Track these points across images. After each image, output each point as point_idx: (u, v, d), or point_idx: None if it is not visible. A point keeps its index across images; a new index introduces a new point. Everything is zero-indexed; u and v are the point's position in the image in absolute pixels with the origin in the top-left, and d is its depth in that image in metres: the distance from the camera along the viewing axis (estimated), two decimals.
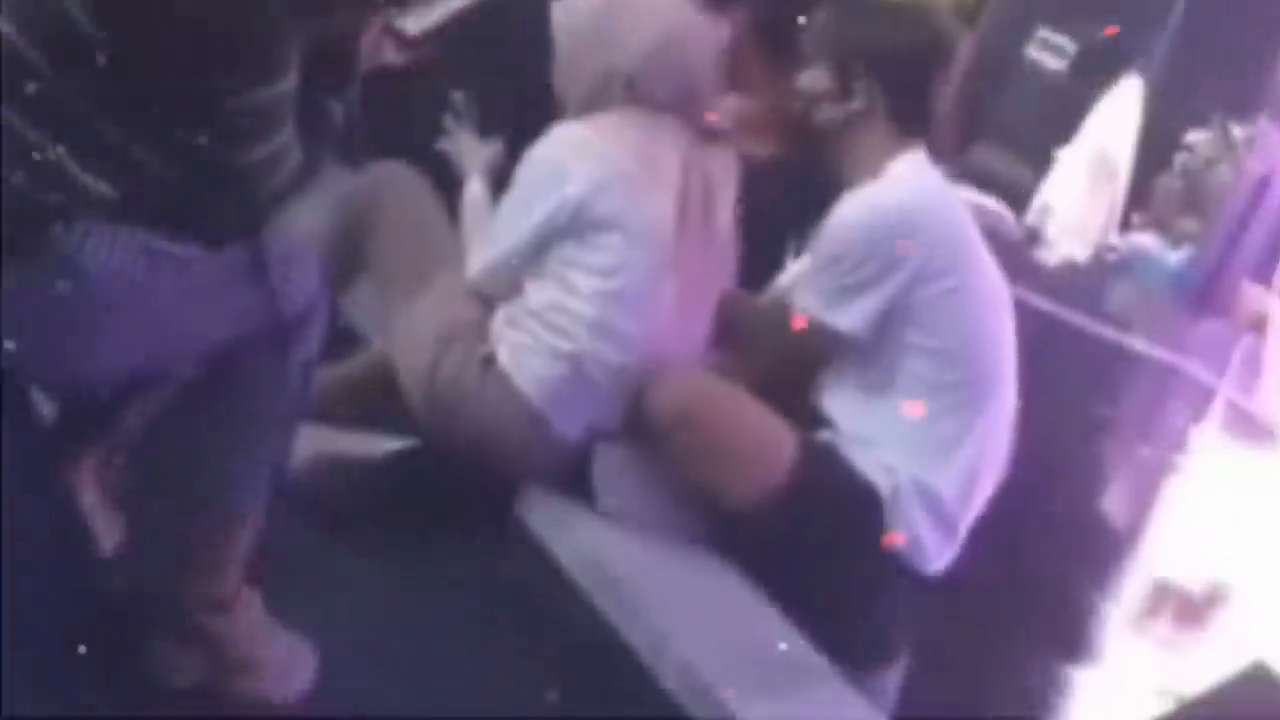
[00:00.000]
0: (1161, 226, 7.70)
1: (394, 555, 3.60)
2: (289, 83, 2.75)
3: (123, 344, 2.77)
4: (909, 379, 3.75)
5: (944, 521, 3.77)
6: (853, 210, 3.80)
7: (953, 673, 4.06)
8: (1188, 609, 5.07)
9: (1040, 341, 4.17)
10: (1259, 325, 5.78)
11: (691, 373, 3.86)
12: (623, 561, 3.73)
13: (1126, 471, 5.31)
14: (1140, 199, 8.02)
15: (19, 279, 2.62)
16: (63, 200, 2.62)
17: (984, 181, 7.32)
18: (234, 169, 2.74)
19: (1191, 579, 5.10)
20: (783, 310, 3.89)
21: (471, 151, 4.25)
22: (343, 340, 4.05)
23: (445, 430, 3.83)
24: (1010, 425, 3.87)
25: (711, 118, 4.05)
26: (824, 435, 3.80)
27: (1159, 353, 5.97)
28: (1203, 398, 5.63)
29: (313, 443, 3.58)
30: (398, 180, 4.23)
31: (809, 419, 3.83)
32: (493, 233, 3.89)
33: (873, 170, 3.85)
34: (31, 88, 2.61)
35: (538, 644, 3.52)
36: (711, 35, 4.07)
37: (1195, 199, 7.62)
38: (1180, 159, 7.81)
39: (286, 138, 2.80)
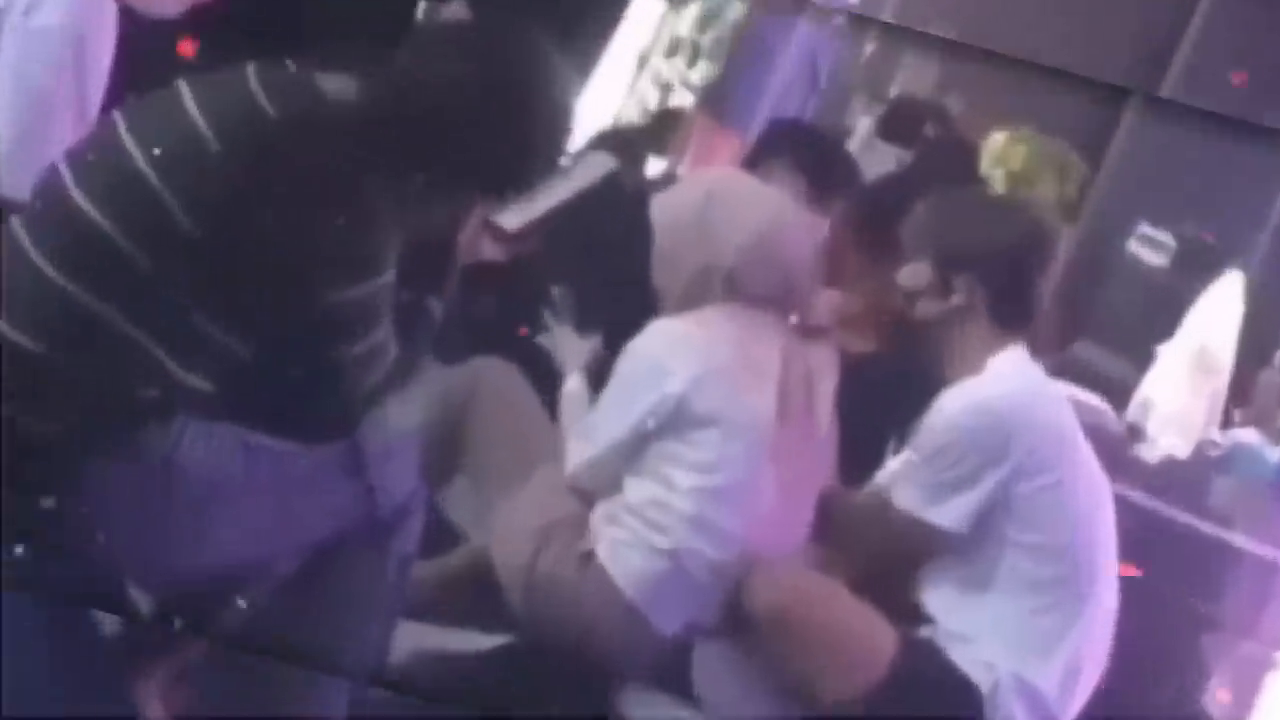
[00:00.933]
0: (1264, 422, 7.65)
1: None
2: (386, 278, 2.80)
3: (219, 539, 2.80)
4: (1010, 574, 3.75)
5: (1045, 718, 3.74)
6: (954, 406, 3.82)
7: None
8: None
9: (1142, 537, 4.15)
10: None
11: (792, 569, 3.84)
12: None
13: (1229, 668, 5.25)
14: (1242, 395, 7.98)
15: (116, 473, 2.67)
16: (159, 396, 2.68)
17: (1085, 377, 7.30)
18: (331, 364, 2.79)
19: None
20: (884, 507, 3.89)
21: (570, 347, 4.26)
22: (441, 535, 4.08)
23: (543, 625, 3.84)
24: (1111, 621, 3.84)
25: (810, 312, 4.07)
26: (924, 631, 3.79)
27: (1262, 549, 5.92)
28: None
29: (412, 638, 3.62)
30: (495, 374, 4.27)
31: (909, 613, 3.82)
32: (592, 428, 3.91)
33: (974, 366, 3.87)
34: (129, 283, 2.68)
35: None
36: (811, 230, 4.13)
37: None
38: None
39: (384, 334, 2.84)
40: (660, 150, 9.35)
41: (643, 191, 5.16)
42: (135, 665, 3.06)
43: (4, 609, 2.69)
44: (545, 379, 4.25)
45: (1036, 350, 3.97)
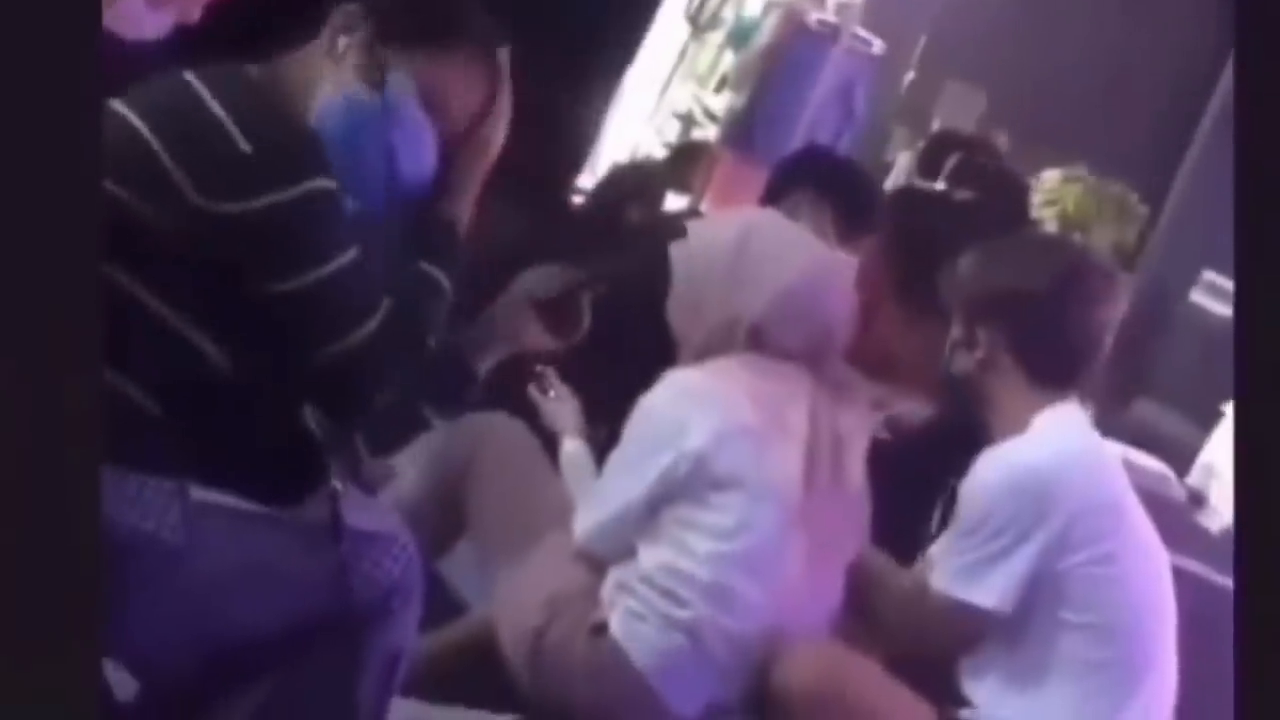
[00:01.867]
0: None
1: None
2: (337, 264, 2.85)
3: (164, 625, 2.83)
4: (1056, 657, 3.75)
5: None
6: (988, 471, 3.82)
7: None
8: None
9: (1204, 612, 4.15)
10: None
11: (823, 647, 3.83)
12: None
13: None
14: None
15: None
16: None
17: (1145, 439, 7.32)
18: (307, 382, 2.87)
19: None
20: (921, 592, 3.89)
21: (560, 407, 4.34)
22: (441, 605, 4.07)
23: (551, 703, 3.83)
24: (1171, 703, 3.84)
25: (842, 367, 4.06)
26: (964, 714, 3.79)
27: None
28: None
29: (412, 716, 3.64)
30: (500, 431, 4.28)
31: (947, 691, 3.82)
32: (602, 491, 3.91)
33: (1017, 424, 3.86)
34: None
35: None
36: (848, 278, 4.11)
37: None
38: None
39: (372, 330, 2.89)
40: (681, 186, 9.41)
41: (662, 229, 5.18)
42: None
43: None
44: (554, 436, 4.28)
45: (1092, 409, 3.98)
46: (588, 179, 8.77)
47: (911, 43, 11.68)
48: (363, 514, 2.96)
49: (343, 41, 3.02)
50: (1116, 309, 4.12)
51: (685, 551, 3.76)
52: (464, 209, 3.17)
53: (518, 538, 4.04)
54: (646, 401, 3.87)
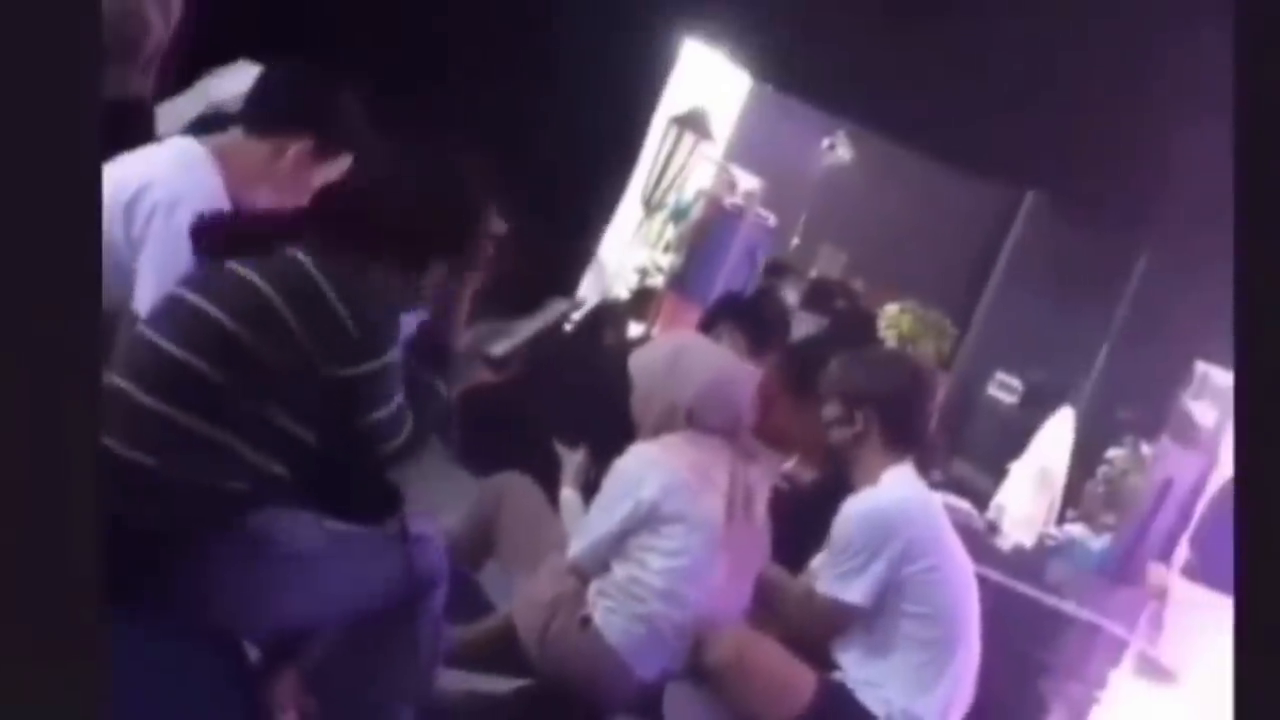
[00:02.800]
0: (1089, 520, 7.69)
1: None
2: (389, 358, 2.80)
3: (310, 603, 2.82)
4: (899, 636, 3.72)
5: None
6: (853, 510, 3.79)
7: None
8: None
9: (997, 606, 4.15)
10: (1161, 595, 5.77)
11: (738, 629, 3.81)
12: None
13: (1061, 705, 5.26)
14: (1073, 499, 8.03)
15: (225, 553, 2.66)
16: (249, 489, 2.70)
17: (956, 487, 7.35)
18: (366, 439, 2.82)
19: None
20: (808, 593, 3.88)
21: (572, 459, 4.30)
22: (478, 606, 4.12)
23: (554, 673, 3.81)
24: (975, 668, 3.82)
25: (750, 439, 4.06)
26: (837, 675, 3.76)
27: (1086, 615, 5.95)
28: (1119, 649, 5.60)
29: (457, 682, 3.64)
30: (518, 485, 4.29)
31: (825, 661, 3.79)
32: (587, 526, 3.88)
33: (871, 478, 3.86)
34: (207, 395, 2.66)
35: None
36: (752, 377, 4.09)
37: (1114, 500, 7.63)
38: (1102, 470, 7.82)
39: (400, 403, 2.85)
40: (639, 318, 9.44)
41: (625, 347, 5.19)
42: (268, 683, 3.03)
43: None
44: (554, 487, 4.27)
45: (922, 468, 3.97)
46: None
47: (796, 218, 11.76)
48: (417, 524, 2.97)
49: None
50: (939, 399, 4.19)
51: (645, 567, 3.75)
52: (456, 336, 3.16)
53: (530, 558, 4.02)
54: (618, 464, 3.86)
